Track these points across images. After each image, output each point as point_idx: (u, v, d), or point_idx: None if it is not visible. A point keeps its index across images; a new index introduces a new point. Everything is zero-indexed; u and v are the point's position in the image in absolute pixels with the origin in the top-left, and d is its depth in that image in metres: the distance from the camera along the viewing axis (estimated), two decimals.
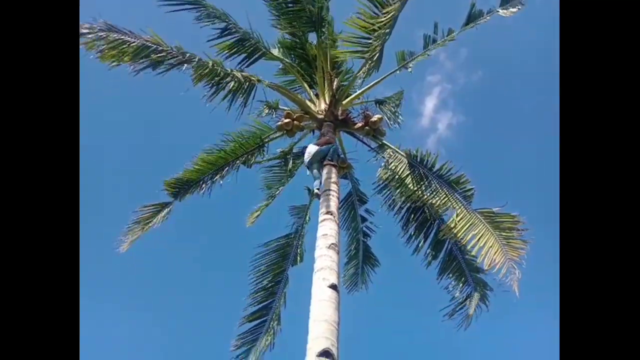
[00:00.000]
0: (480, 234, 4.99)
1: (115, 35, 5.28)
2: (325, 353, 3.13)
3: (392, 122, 6.46)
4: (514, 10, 5.77)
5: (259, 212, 7.05)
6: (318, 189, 5.18)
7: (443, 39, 6.03)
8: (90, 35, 5.12)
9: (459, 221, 5.27)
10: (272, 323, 6.07)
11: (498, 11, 5.85)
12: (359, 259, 6.96)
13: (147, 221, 5.97)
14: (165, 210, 6.08)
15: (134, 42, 5.32)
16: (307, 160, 5.55)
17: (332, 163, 5.29)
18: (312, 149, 5.56)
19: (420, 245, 5.88)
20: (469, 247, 5.02)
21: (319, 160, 5.48)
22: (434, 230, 5.83)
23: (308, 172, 5.60)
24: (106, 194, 11.79)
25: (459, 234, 5.13)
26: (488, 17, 5.89)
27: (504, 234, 4.94)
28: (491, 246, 4.81)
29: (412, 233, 5.92)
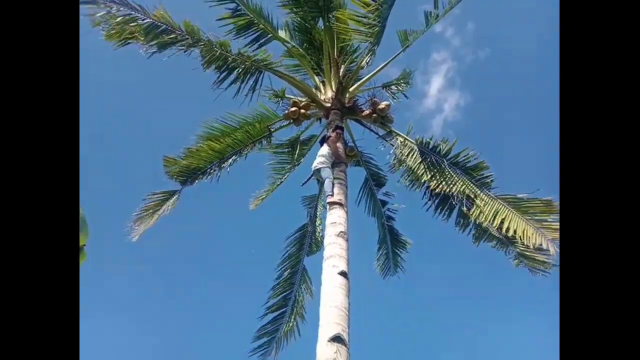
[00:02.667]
0: (510, 218, 4.83)
1: (124, 11, 5.20)
2: (336, 338, 3.17)
3: (400, 99, 6.31)
4: None
5: (264, 196, 7.00)
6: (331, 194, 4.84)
7: (444, 11, 5.75)
8: (96, 10, 5.05)
9: (483, 207, 5.10)
10: (292, 313, 6.19)
11: None
12: (387, 243, 6.88)
13: (156, 209, 6.03)
14: (174, 198, 6.12)
15: (144, 19, 5.26)
16: (315, 167, 5.16)
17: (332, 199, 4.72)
18: (323, 157, 5.14)
19: (446, 218, 5.73)
20: (503, 230, 4.82)
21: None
22: (457, 206, 5.58)
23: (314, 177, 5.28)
24: (107, 182, 12.04)
25: (488, 218, 4.97)
26: None
27: (536, 217, 4.76)
28: (524, 229, 4.64)
29: (436, 208, 5.77)
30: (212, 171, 6.27)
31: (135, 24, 5.27)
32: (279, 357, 6.13)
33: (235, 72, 5.86)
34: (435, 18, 5.59)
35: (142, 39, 5.32)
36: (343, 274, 3.76)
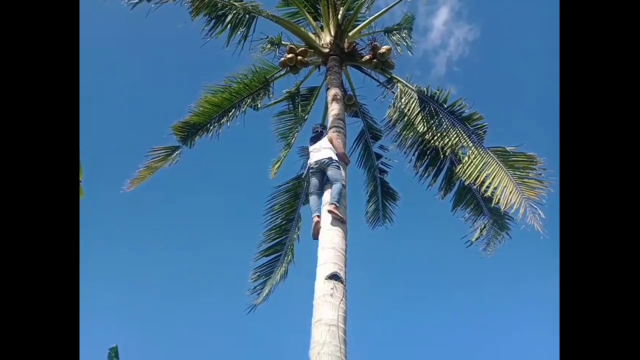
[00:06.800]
0: (494, 174, 5.04)
1: None
2: (333, 276, 3.48)
3: (401, 51, 6.19)
4: None
5: (279, 163, 7.23)
6: (318, 215, 4.12)
7: None
8: None
9: (472, 160, 5.30)
10: (286, 257, 6.55)
11: None
12: (378, 195, 7.21)
13: (157, 164, 6.21)
14: (175, 153, 6.31)
15: None
16: (316, 161, 4.38)
17: (337, 213, 4.03)
18: (327, 152, 4.39)
19: (432, 180, 5.99)
20: (483, 188, 5.06)
21: (324, 170, 4.33)
22: (446, 165, 5.88)
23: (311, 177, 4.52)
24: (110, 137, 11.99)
25: (472, 175, 5.18)
26: None
27: (518, 173, 4.97)
28: (505, 186, 4.86)
29: (425, 170, 6.00)
30: (212, 127, 6.30)
31: None
32: (272, 297, 6.55)
33: (227, 18, 5.61)
34: None
35: None
36: (340, 219, 3.96)
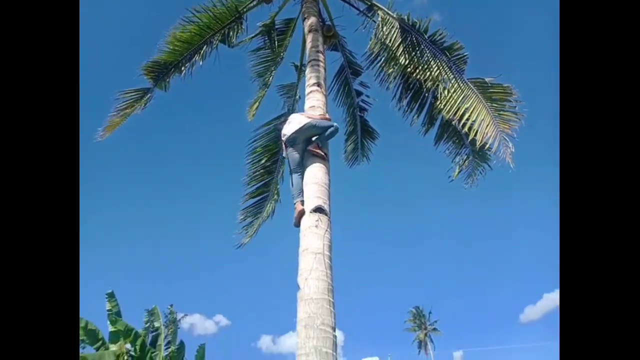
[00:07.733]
0: (473, 107, 5.06)
1: None
2: (318, 209, 3.62)
3: None
4: None
5: (257, 104, 6.99)
6: (302, 201, 3.71)
7: None
8: None
9: (452, 94, 5.28)
10: (272, 197, 6.69)
11: None
12: (357, 134, 7.22)
13: (129, 108, 5.95)
14: (147, 96, 6.04)
15: None
16: (291, 133, 3.89)
17: (318, 151, 3.93)
18: (301, 119, 3.98)
19: (415, 115, 6.00)
20: (462, 123, 5.13)
21: (305, 140, 3.94)
22: (429, 100, 5.86)
23: (284, 154, 4.09)
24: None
25: (452, 109, 5.19)
26: None
27: (495, 105, 5.01)
28: (483, 119, 4.92)
29: (407, 105, 5.98)
30: (183, 66, 5.95)
31: None
32: (259, 234, 6.80)
33: None
34: None
35: None
36: (321, 156, 4.00)
